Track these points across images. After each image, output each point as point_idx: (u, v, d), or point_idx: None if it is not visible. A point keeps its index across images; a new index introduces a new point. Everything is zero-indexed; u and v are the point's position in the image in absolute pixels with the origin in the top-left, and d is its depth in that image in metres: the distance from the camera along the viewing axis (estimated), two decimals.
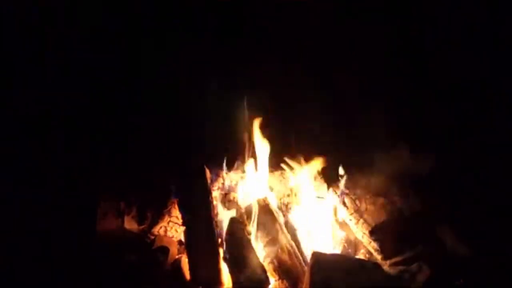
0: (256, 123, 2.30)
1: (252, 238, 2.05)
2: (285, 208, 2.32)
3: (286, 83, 2.43)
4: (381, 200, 2.24)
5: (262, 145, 2.30)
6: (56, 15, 2.39)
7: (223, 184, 2.32)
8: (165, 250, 2.10)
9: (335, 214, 2.30)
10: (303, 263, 1.96)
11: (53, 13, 2.38)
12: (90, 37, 2.45)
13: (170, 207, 2.26)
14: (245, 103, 2.32)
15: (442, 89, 2.42)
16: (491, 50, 2.37)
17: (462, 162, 2.29)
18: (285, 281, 1.92)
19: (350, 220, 2.23)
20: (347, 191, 2.29)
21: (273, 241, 2.02)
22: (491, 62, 2.36)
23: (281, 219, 2.14)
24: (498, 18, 2.34)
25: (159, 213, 2.26)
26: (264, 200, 2.16)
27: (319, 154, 2.35)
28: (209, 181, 2.21)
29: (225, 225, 2.08)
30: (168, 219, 2.24)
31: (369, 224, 2.17)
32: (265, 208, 2.12)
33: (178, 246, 2.21)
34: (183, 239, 2.14)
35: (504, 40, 2.33)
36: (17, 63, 2.39)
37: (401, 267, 1.99)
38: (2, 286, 1.97)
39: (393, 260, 2.04)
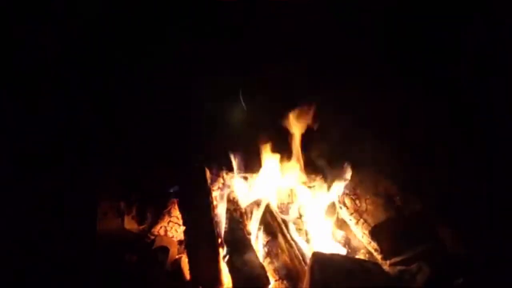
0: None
1: (252, 238, 2.05)
2: (285, 208, 2.32)
3: (286, 83, 2.43)
4: (381, 200, 2.24)
5: (263, 146, 2.30)
6: (56, 14, 2.39)
7: (223, 184, 2.32)
8: (165, 250, 2.11)
9: (335, 214, 2.30)
10: (303, 263, 1.96)
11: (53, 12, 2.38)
12: (90, 36, 2.45)
13: (170, 207, 2.26)
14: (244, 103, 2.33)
15: (441, 89, 2.42)
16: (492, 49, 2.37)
17: (462, 162, 2.29)
18: (285, 281, 1.92)
19: (350, 220, 2.23)
20: (347, 191, 2.29)
21: (273, 241, 2.03)
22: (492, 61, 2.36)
23: (281, 219, 2.14)
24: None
25: (159, 213, 2.26)
26: (265, 200, 2.16)
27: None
28: (209, 181, 2.21)
29: (225, 225, 2.08)
30: (168, 219, 2.24)
31: (369, 224, 2.18)
32: (265, 208, 2.12)
33: (178, 246, 2.21)
34: (183, 239, 2.14)
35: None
36: (17, 62, 2.39)
37: (401, 267, 1.99)
38: (2, 286, 1.97)
39: (393, 260, 2.05)
